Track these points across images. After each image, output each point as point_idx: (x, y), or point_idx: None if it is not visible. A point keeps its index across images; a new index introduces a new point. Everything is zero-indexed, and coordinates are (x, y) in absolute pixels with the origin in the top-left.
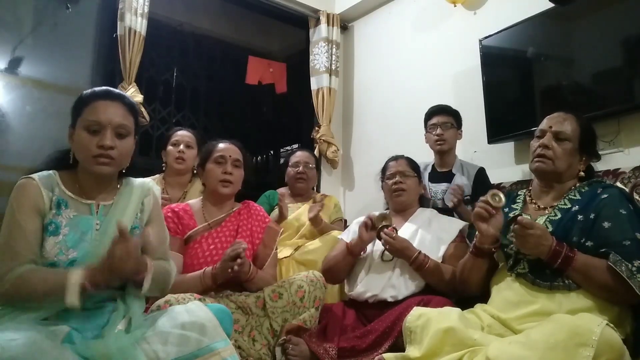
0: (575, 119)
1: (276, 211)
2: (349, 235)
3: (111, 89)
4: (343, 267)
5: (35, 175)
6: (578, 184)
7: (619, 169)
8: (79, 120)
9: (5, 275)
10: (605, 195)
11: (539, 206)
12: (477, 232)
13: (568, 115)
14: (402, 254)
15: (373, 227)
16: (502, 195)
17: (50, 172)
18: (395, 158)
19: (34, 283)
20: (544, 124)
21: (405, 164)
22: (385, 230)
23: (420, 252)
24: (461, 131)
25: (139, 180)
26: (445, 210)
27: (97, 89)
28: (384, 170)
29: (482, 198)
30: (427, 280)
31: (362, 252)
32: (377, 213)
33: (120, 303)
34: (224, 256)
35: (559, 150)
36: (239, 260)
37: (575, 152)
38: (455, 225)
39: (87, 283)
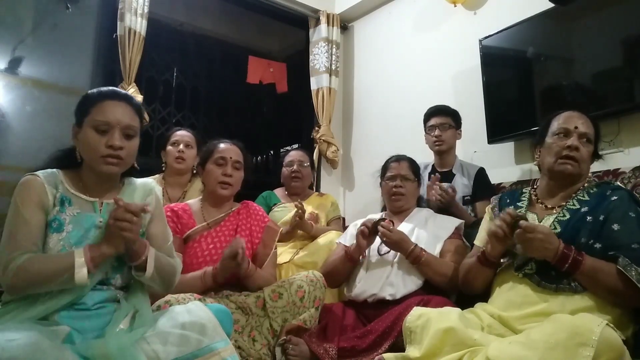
0: (590, 119)
1: (286, 217)
2: (346, 238)
3: (117, 89)
4: (342, 272)
5: (39, 173)
6: (586, 185)
7: (619, 169)
8: (87, 119)
9: (8, 266)
10: (615, 197)
11: (546, 206)
12: (478, 232)
13: (584, 115)
14: (398, 246)
15: (370, 234)
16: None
17: (54, 170)
18: (398, 159)
19: (38, 268)
20: (567, 123)
21: (407, 167)
22: (383, 223)
23: (416, 245)
24: (460, 131)
25: (140, 180)
26: (442, 212)
27: (103, 88)
28: (384, 169)
29: (504, 217)
30: (425, 274)
31: (360, 257)
32: (375, 217)
33: (124, 302)
34: (223, 256)
35: (585, 152)
36: (238, 258)
37: (592, 154)
38: (451, 222)
39: (93, 257)
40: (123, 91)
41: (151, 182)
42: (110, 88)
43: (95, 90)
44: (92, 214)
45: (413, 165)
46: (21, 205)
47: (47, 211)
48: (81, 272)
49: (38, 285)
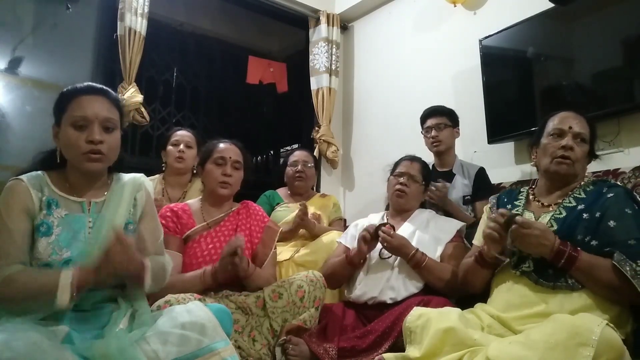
0: (586, 119)
1: (289, 217)
2: (347, 239)
3: (93, 84)
4: (342, 275)
5: (23, 177)
6: (582, 183)
7: (619, 169)
8: (64, 117)
9: None
10: (611, 194)
11: (542, 204)
12: (476, 235)
13: (579, 115)
14: (399, 251)
15: (372, 239)
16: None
17: (39, 172)
18: (412, 159)
19: (23, 282)
20: (562, 124)
21: (418, 169)
22: (383, 228)
23: (417, 250)
24: (458, 129)
25: (129, 176)
26: (443, 213)
27: (78, 85)
28: (396, 165)
29: (496, 218)
30: (426, 278)
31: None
32: (376, 221)
33: (121, 302)
34: (222, 253)
35: (580, 152)
36: (236, 259)
37: (588, 153)
38: (452, 225)
39: (80, 281)
40: (99, 85)
41: (140, 176)
42: (86, 84)
43: (70, 87)
44: (81, 215)
45: (425, 169)
46: (5, 214)
47: (33, 216)
48: (63, 296)
49: (20, 300)
